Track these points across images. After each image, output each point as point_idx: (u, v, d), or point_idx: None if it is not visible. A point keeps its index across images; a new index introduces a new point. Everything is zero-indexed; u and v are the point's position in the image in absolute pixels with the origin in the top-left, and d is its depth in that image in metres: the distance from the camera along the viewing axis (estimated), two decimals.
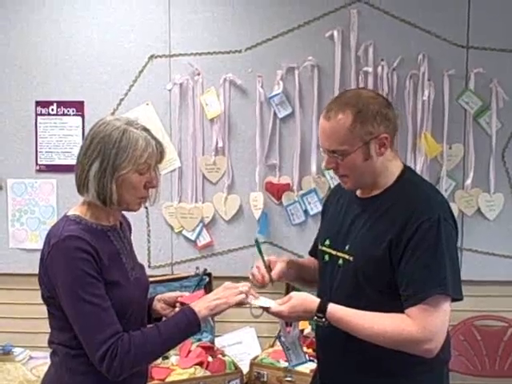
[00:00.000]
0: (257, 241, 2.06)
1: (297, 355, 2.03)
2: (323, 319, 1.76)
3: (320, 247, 2.00)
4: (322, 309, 1.76)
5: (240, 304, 1.84)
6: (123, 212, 1.93)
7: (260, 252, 2.01)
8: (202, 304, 1.80)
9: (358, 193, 1.92)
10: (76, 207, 1.83)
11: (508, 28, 3.06)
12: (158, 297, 2.00)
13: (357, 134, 1.76)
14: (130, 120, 1.81)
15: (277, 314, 1.83)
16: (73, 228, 1.74)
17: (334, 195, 2.07)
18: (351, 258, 1.83)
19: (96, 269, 1.70)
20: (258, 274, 1.98)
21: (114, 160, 1.73)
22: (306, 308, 1.79)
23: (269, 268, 2.00)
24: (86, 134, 3.15)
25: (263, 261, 2.00)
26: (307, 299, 1.81)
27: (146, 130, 1.80)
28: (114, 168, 1.73)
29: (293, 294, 1.84)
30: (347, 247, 1.86)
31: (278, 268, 1.99)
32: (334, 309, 1.76)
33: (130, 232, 2.02)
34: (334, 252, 1.91)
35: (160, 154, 1.82)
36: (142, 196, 1.80)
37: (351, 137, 1.76)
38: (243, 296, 1.83)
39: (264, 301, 1.88)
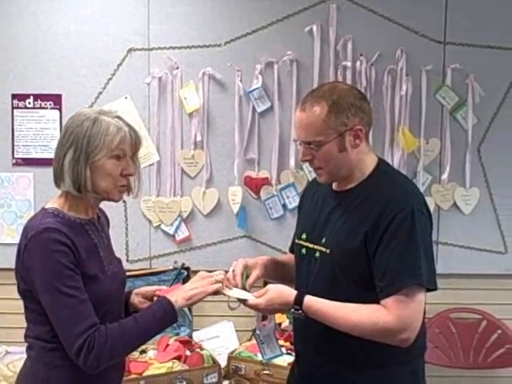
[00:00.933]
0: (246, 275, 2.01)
1: (272, 348, 2.04)
2: (300, 311, 1.78)
3: (297, 241, 2.02)
4: (298, 301, 1.78)
5: (216, 293, 1.85)
6: (101, 206, 1.93)
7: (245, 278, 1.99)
8: (178, 294, 1.81)
9: (334, 186, 1.93)
10: (54, 200, 1.83)
11: (484, 24, 3.09)
12: (136, 291, 2.00)
13: (331, 125, 1.79)
14: (103, 110, 1.83)
15: (254, 307, 1.84)
16: (50, 220, 1.74)
17: (310, 189, 2.09)
18: (327, 251, 1.85)
19: (73, 261, 1.70)
20: (232, 280, 1.95)
21: (87, 147, 1.74)
22: (282, 300, 1.80)
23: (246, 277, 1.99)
24: (63, 127, 3.14)
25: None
26: (284, 291, 1.82)
27: (119, 117, 1.81)
28: (86, 155, 1.74)
29: (269, 286, 1.85)
30: (324, 240, 1.87)
31: (254, 277, 1.98)
32: (310, 301, 1.78)
33: (108, 226, 2.02)
34: (310, 245, 1.93)
35: (134, 141, 1.82)
36: (120, 184, 1.80)
37: (326, 128, 1.79)
38: (219, 285, 1.84)
39: (241, 292, 1.88)
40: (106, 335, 1.68)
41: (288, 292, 1.81)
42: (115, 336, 1.70)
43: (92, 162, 1.74)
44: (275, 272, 2.08)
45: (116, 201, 1.85)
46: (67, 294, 1.67)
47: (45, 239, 1.69)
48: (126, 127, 1.80)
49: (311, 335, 1.89)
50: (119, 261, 1.98)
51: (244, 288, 1.94)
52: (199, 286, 1.82)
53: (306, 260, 1.94)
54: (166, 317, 1.78)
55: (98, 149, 1.74)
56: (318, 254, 1.89)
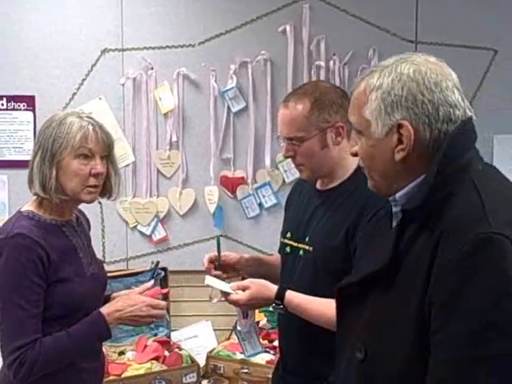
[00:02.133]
0: (218, 239, 2.08)
1: (252, 345, 2.05)
2: (281, 306, 1.80)
3: (282, 240, 2.04)
4: (279, 296, 1.81)
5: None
6: (81, 208, 1.93)
7: (218, 249, 2.05)
8: (113, 311, 1.81)
9: (318, 185, 1.96)
10: (30, 203, 1.83)
11: (455, 23, 3.14)
12: (114, 295, 2.00)
13: (313, 121, 1.82)
14: (75, 111, 1.83)
15: (235, 303, 1.86)
16: (24, 224, 1.73)
17: (296, 189, 2.12)
18: (311, 249, 1.88)
19: (39, 272, 1.70)
20: (206, 262, 2.02)
21: (52, 147, 1.74)
22: (264, 295, 1.83)
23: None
24: (37, 129, 3.11)
25: (219, 256, 2.03)
26: (266, 286, 1.84)
27: (87, 117, 1.80)
28: (51, 155, 1.74)
29: (250, 281, 1.86)
30: (307, 238, 1.90)
31: (231, 255, 2.04)
32: (291, 296, 1.80)
33: (89, 228, 2.02)
34: (294, 244, 1.95)
35: (102, 139, 1.79)
36: (88, 184, 1.78)
37: (308, 123, 1.82)
38: (152, 320, 1.91)
39: (221, 283, 1.90)
40: (38, 352, 1.69)
41: (270, 287, 1.84)
42: (47, 350, 1.71)
43: (57, 162, 1.74)
44: (259, 268, 2.11)
45: (87, 202, 1.83)
46: (18, 304, 1.68)
47: (13, 245, 1.69)
48: (90, 125, 1.77)
49: (294, 331, 1.91)
50: (100, 262, 1.98)
51: (217, 267, 2.00)
52: (139, 314, 1.83)
53: (291, 258, 1.96)
54: (97, 331, 1.79)
55: (62, 148, 1.74)
56: (301, 253, 1.91)
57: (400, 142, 1.22)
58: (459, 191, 1.17)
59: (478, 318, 1.05)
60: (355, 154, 1.35)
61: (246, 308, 1.94)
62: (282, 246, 2.03)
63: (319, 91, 1.85)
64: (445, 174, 1.19)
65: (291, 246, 1.97)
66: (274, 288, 1.83)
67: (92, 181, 1.78)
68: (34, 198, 1.83)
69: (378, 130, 1.24)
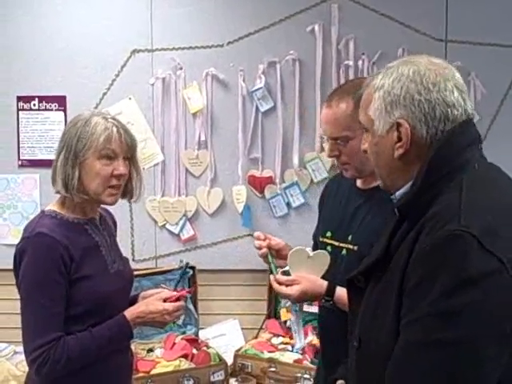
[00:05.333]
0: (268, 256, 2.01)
1: (301, 338, 2.08)
2: (331, 302, 1.81)
3: (321, 239, 2.03)
4: (330, 291, 1.81)
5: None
6: (110, 207, 1.95)
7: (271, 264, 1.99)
8: (135, 317, 1.84)
9: (359, 184, 1.95)
10: (53, 203, 1.85)
11: (485, 21, 3.11)
12: (142, 294, 2.01)
13: (357, 120, 1.80)
14: (100, 111, 1.85)
15: (285, 296, 1.85)
16: (46, 223, 1.76)
17: (331, 188, 2.10)
18: (355, 248, 1.87)
19: (61, 271, 1.72)
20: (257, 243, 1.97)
21: (76, 147, 1.75)
22: (314, 291, 1.82)
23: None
24: None
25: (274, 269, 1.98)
26: (316, 282, 1.84)
27: (113, 118, 1.81)
28: (75, 155, 1.75)
29: (298, 276, 1.84)
30: (350, 237, 1.89)
31: (278, 241, 1.99)
32: (341, 291, 1.78)
33: (115, 226, 2.03)
34: (336, 243, 1.94)
35: (125, 141, 1.80)
36: (110, 185, 1.79)
37: (352, 123, 1.79)
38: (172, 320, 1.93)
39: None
40: (61, 352, 1.70)
41: (319, 282, 1.84)
42: (72, 350, 1.72)
43: (81, 162, 1.76)
44: None
45: (108, 204, 1.85)
46: (41, 303, 1.70)
47: (36, 244, 1.71)
48: (115, 127, 1.79)
49: (338, 327, 1.91)
50: (126, 260, 1.99)
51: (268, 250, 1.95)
52: (161, 318, 1.87)
53: (332, 258, 1.95)
54: (121, 334, 1.81)
55: (86, 148, 1.75)
56: (344, 252, 1.91)
57: (399, 139, 1.28)
58: (446, 191, 1.22)
59: (434, 308, 1.11)
60: (365, 151, 1.40)
61: (294, 302, 1.91)
62: (322, 245, 2.02)
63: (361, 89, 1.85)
64: (436, 174, 1.24)
65: (332, 245, 1.96)
66: (323, 283, 1.83)
67: (114, 181, 1.80)
68: (58, 197, 1.85)
69: (380, 127, 1.31)
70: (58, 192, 1.81)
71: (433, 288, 1.11)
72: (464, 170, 1.24)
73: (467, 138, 1.27)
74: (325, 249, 1.99)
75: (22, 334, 1.75)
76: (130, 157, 1.85)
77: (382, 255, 1.31)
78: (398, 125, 1.27)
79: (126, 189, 1.88)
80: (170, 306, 1.87)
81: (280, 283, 1.84)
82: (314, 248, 2.05)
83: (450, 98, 1.25)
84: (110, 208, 1.99)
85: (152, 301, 1.89)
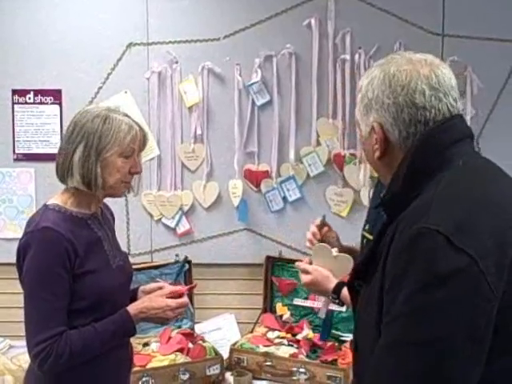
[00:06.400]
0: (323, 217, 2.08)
1: (328, 331, 2.16)
2: (337, 301, 1.86)
3: (362, 231, 2.08)
4: (337, 290, 1.85)
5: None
6: (105, 201, 1.96)
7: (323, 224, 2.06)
8: (138, 312, 1.85)
9: None
10: (56, 196, 1.85)
11: (482, 16, 3.10)
12: (141, 288, 2.02)
13: None
14: (110, 107, 1.85)
15: (301, 279, 1.93)
16: (51, 217, 1.76)
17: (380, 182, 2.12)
18: None
19: (65, 265, 1.72)
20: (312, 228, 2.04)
21: (98, 143, 1.76)
22: (322, 286, 1.89)
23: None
24: (63, 122, 3.16)
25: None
26: (327, 278, 1.89)
27: (127, 115, 1.84)
28: (98, 151, 1.76)
29: (315, 268, 1.91)
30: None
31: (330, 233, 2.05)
32: (347, 292, 1.82)
33: (113, 220, 2.05)
34: (370, 236, 1.98)
35: (143, 139, 1.86)
36: (127, 181, 1.84)
37: None
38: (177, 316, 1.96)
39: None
40: (64, 347, 1.71)
41: (331, 279, 1.89)
42: (74, 345, 1.73)
43: (103, 159, 1.77)
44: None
45: (119, 196, 1.89)
46: (43, 298, 1.71)
47: (40, 238, 1.72)
48: (136, 126, 1.83)
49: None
50: (125, 255, 2.00)
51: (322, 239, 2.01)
52: (163, 315, 1.88)
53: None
54: (123, 329, 1.83)
55: (110, 145, 1.76)
56: None
57: (376, 141, 1.29)
58: (425, 190, 1.21)
59: (405, 308, 1.10)
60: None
61: (307, 289, 2.01)
62: (361, 237, 2.07)
63: None
64: (414, 176, 1.23)
65: (367, 238, 2.01)
66: (334, 281, 1.88)
67: (129, 178, 1.85)
68: (61, 191, 1.85)
69: (363, 129, 1.33)
70: (70, 187, 1.81)
71: (403, 288, 1.10)
72: (446, 167, 1.22)
73: (449, 136, 1.24)
74: (362, 241, 2.03)
75: (25, 328, 1.74)
76: (139, 152, 1.89)
77: (369, 256, 1.31)
78: (373, 128, 1.28)
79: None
80: (173, 302, 1.89)
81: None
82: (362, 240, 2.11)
83: (420, 99, 1.23)
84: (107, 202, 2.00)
85: (155, 297, 1.90)
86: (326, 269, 1.90)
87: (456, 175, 1.21)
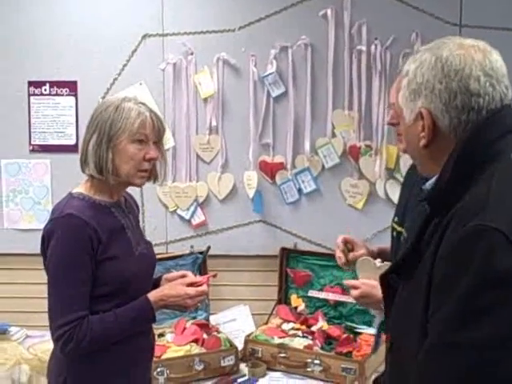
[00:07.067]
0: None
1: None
2: None
3: (392, 223, 2.07)
4: None
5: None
6: (129, 191, 1.99)
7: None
8: (158, 299, 1.87)
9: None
10: (80, 185, 1.90)
11: (500, 6, 3.07)
12: (165, 276, 2.05)
13: None
14: (127, 96, 1.89)
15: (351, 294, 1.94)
16: (75, 205, 1.80)
17: (411, 174, 2.09)
18: (406, 234, 1.91)
19: (89, 251, 1.76)
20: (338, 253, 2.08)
21: (109, 130, 1.79)
22: (373, 298, 1.87)
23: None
24: (79, 113, 3.17)
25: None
26: (377, 288, 1.85)
27: (142, 103, 1.87)
28: (109, 138, 1.80)
29: (362, 282, 1.91)
30: (405, 223, 1.93)
31: (359, 253, 2.05)
32: None
33: (138, 211, 2.10)
34: (398, 228, 1.98)
35: (157, 127, 1.87)
36: (142, 169, 1.85)
37: None
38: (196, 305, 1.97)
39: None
40: (85, 331, 1.74)
41: (379, 288, 1.86)
42: (95, 330, 1.76)
43: (114, 145, 1.80)
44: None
45: (138, 185, 1.91)
46: (67, 283, 1.75)
47: (65, 225, 1.76)
48: (148, 112, 1.85)
49: None
50: (149, 243, 2.03)
51: (347, 261, 2.05)
52: (183, 302, 1.90)
53: (395, 242, 1.99)
54: (144, 316, 1.85)
55: (120, 132, 1.79)
56: (402, 238, 1.93)
57: (423, 129, 1.24)
58: (476, 183, 1.16)
59: (459, 308, 1.06)
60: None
61: (359, 303, 2.01)
62: (391, 229, 2.06)
63: None
64: (464, 167, 1.18)
65: (396, 230, 2.00)
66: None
67: (145, 165, 1.86)
68: (84, 180, 1.90)
69: (407, 116, 1.27)
70: (89, 175, 1.85)
71: (458, 287, 1.06)
72: (497, 160, 1.17)
73: (499, 127, 1.19)
74: (392, 233, 2.04)
75: (49, 312, 1.78)
76: (158, 141, 1.90)
77: (411, 251, 1.26)
78: (421, 114, 1.22)
79: (152, 172, 1.93)
80: (192, 290, 1.90)
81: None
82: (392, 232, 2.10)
83: (474, 85, 1.18)
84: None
85: (175, 285, 1.92)
86: (373, 280, 1.87)
87: (510, 169, 1.17)
